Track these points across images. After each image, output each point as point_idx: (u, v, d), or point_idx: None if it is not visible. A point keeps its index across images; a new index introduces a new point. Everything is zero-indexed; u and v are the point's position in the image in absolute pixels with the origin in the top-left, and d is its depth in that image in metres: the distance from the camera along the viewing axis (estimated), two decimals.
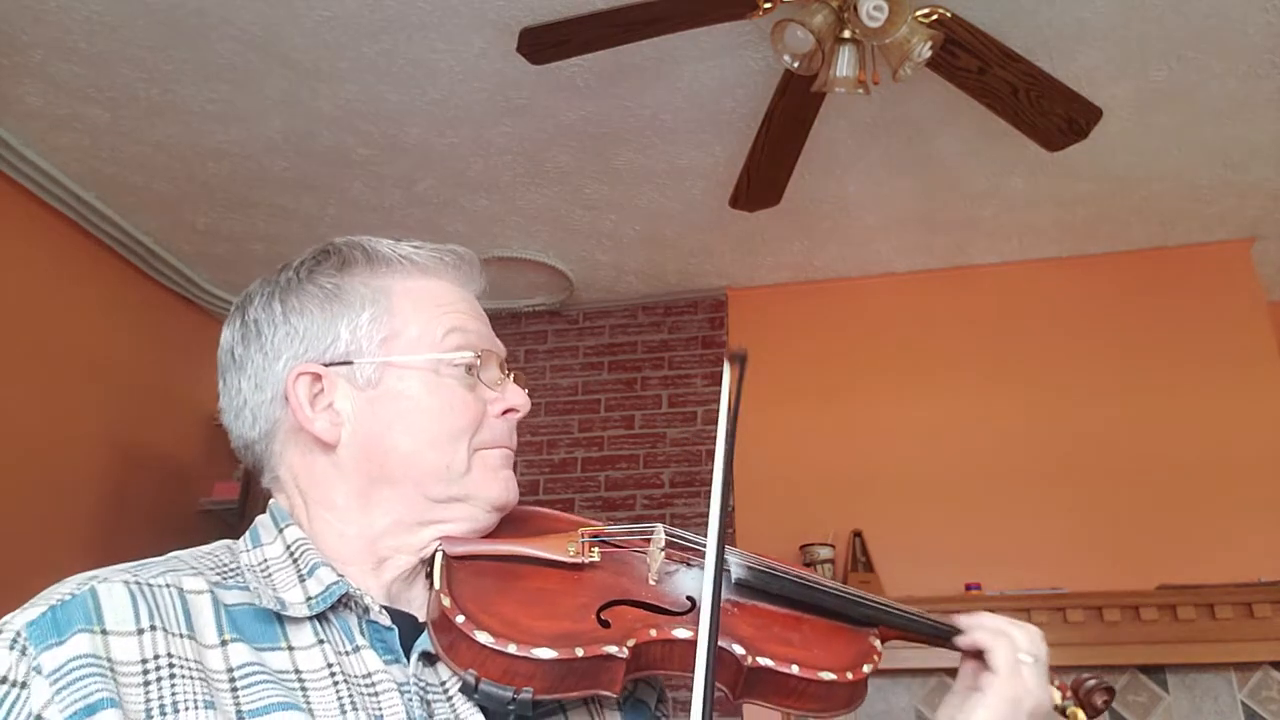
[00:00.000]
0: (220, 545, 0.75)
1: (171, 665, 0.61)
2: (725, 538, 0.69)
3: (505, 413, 0.81)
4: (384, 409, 0.76)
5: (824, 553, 3.14)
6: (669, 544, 0.80)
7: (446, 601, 0.69)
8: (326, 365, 0.76)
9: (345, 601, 0.70)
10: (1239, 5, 2.28)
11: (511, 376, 0.83)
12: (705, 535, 0.72)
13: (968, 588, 3.00)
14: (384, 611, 0.71)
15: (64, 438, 3.00)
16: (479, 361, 0.80)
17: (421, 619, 0.74)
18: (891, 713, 2.88)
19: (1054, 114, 2.26)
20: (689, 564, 0.81)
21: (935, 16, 2.04)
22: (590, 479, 3.57)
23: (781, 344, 3.60)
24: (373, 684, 0.67)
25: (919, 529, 3.19)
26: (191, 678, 0.61)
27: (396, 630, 0.71)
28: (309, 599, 0.69)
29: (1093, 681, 0.83)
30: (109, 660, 0.59)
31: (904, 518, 3.22)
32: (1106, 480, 3.13)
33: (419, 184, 3.04)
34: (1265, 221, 3.24)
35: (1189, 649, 2.77)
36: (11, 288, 2.84)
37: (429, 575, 0.75)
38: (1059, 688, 0.84)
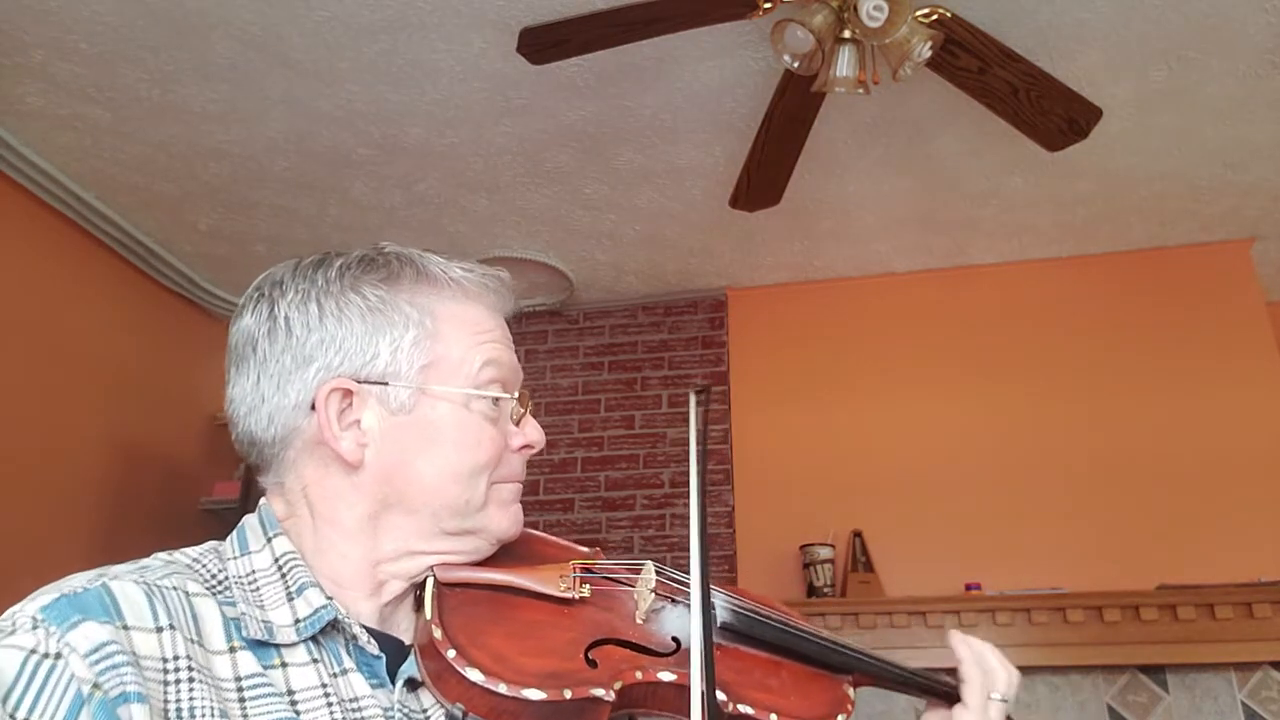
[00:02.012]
0: (208, 548, 0.73)
1: (191, 669, 0.60)
2: (709, 584, 0.69)
3: (522, 448, 0.81)
4: (411, 435, 0.75)
5: (824, 553, 3.14)
6: (658, 583, 0.80)
7: (438, 633, 0.69)
8: (360, 382, 0.74)
9: (334, 625, 0.69)
10: (1239, 5, 2.28)
11: (529, 409, 0.83)
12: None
13: (968, 588, 3.00)
14: (372, 640, 0.70)
15: (64, 437, 3.00)
16: (512, 398, 0.80)
17: (407, 642, 0.73)
18: (891, 713, 2.88)
19: (1054, 114, 2.26)
20: (675, 601, 0.81)
21: (935, 16, 2.04)
22: (590, 479, 3.57)
23: (781, 344, 3.60)
24: (360, 709, 0.67)
25: (919, 529, 3.19)
26: (206, 684, 0.60)
27: (384, 658, 0.70)
28: (297, 621, 0.67)
29: None
30: (134, 654, 0.58)
31: (904, 518, 3.22)
32: (1106, 480, 3.13)
33: (419, 184, 3.04)
34: (1265, 221, 3.24)
35: (1189, 649, 2.77)
36: (11, 288, 2.84)
37: (418, 599, 0.74)
38: None
